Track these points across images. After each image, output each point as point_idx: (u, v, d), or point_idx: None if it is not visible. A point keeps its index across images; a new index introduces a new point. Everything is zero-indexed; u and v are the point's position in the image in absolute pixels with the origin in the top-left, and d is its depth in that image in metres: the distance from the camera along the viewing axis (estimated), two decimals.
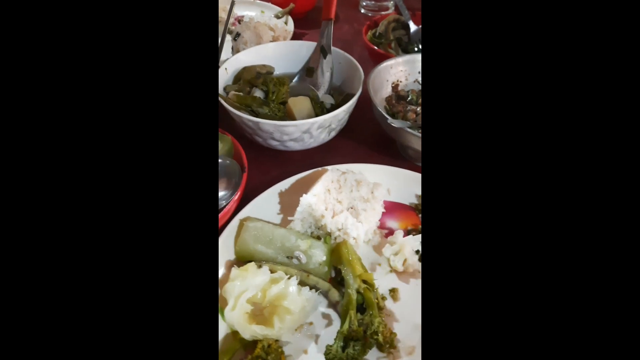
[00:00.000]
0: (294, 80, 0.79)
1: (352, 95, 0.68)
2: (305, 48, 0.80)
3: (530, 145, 0.26)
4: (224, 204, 0.55)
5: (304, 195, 0.53)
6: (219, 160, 0.58)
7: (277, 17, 1.00)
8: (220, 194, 0.57)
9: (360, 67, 0.72)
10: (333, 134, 0.69)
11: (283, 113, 0.69)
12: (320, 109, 0.71)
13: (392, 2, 1.13)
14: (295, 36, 1.01)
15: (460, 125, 0.28)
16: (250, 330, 0.44)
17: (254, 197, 0.58)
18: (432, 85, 0.29)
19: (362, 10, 1.16)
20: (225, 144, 0.61)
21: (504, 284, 0.25)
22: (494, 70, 0.27)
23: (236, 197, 0.55)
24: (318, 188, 0.54)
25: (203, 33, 0.29)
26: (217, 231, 0.53)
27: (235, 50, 0.88)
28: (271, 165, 0.70)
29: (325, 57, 0.77)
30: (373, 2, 1.13)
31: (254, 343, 0.44)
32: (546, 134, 0.26)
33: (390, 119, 0.61)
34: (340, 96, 0.75)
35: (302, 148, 0.69)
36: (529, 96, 0.27)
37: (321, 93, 0.75)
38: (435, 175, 0.28)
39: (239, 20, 1.06)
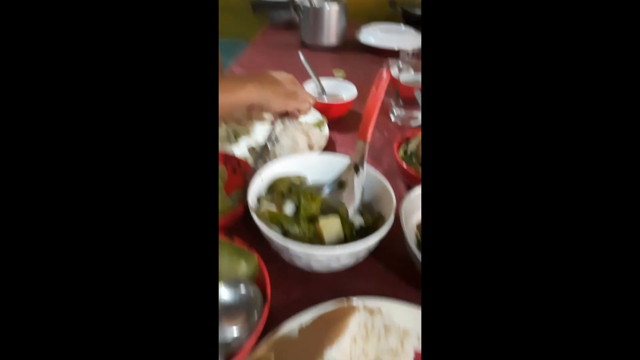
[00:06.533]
0: (325, 192, 0.79)
1: (383, 220, 0.67)
2: (339, 161, 0.82)
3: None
4: (239, 344, 0.50)
5: (328, 350, 0.48)
6: (240, 289, 0.55)
7: (317, 126, 1.03)
8: (235, 334, 0.52)
9: (393, 192, 0.71)
10: (360, 259, 0.66)
11: (312, 234, 0.67)
12: (349, 230, 0.69)
13: (419, 113, 1.17)
14: (329, 140, 1.05)
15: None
16: None
17: (272, 319, 0.55)
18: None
19: (393, 119, 1.20)
20: (250, 264, 0.59)
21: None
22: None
23: (252, 337, 0.50)
24: (345, 341, 0.49)
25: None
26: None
27: (272, 155, 0.91)
28: (293, 283, 0.66)
29: (357, 175, 0.77)
30: (404, 113, 1.19)
31: None
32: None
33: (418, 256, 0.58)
34: (370, 216, 0.73)
35: (327, 271, 0.66)
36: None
37: (351, 211, 0.74)
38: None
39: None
